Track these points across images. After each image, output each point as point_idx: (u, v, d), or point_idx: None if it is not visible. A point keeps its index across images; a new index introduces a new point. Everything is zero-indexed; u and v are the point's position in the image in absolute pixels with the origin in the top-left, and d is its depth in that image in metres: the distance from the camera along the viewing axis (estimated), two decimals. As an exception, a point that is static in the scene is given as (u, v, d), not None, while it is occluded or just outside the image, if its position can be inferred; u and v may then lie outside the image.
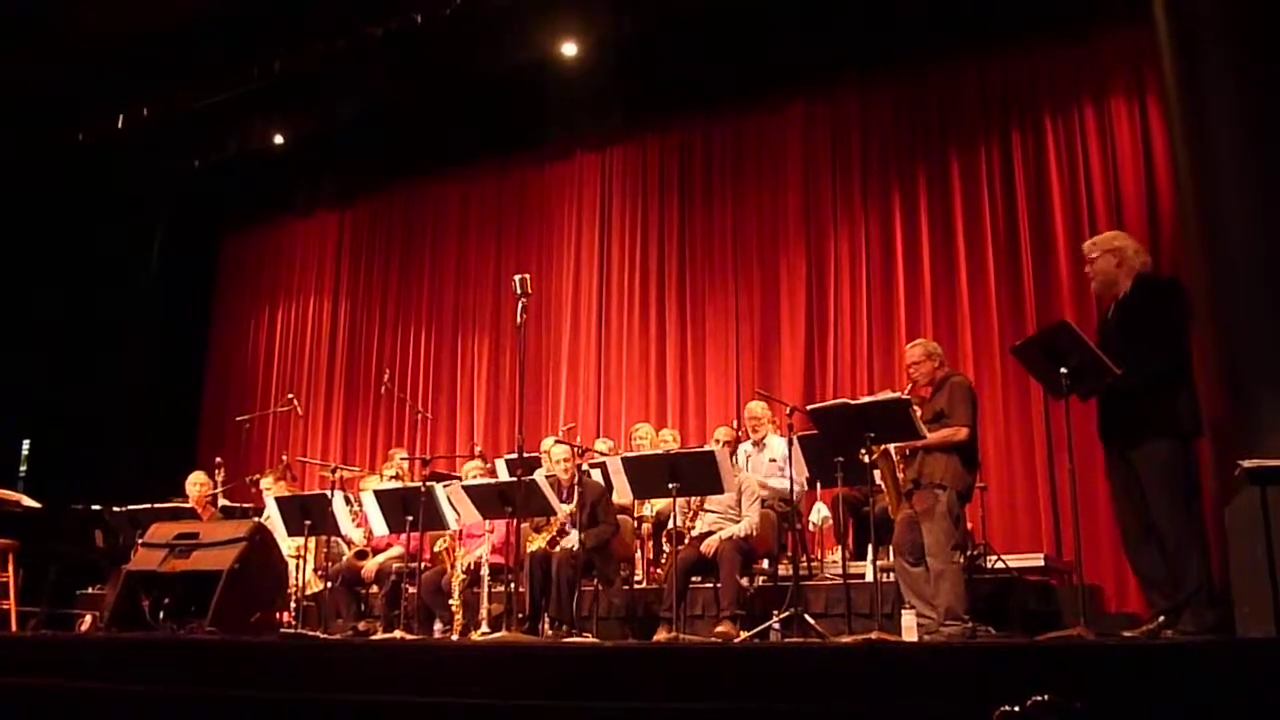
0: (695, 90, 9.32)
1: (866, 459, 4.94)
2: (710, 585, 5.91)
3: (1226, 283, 4.99)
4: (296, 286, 11.76)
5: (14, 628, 6.56)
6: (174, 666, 4.27)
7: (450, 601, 6.09)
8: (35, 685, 4.43)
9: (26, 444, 11.30)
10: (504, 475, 7.05)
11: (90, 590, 8.07)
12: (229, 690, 4.01)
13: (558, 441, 6.94)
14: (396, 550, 6.69)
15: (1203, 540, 4.22)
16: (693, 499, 5.94)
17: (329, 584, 6.87)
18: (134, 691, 4.17)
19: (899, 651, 3.79)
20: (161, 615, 5.35)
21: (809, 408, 5.60)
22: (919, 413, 4.94)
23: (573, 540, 5.93)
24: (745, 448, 6.94)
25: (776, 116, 9.15)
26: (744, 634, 5.32)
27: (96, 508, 7.16)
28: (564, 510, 6.04)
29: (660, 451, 6.35)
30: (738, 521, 5.82)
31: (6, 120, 9.90)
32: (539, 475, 5.96)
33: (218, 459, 8.16)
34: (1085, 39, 7.86)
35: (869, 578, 5.68)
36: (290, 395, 9.73)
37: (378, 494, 6.38)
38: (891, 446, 5.09)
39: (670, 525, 5.95)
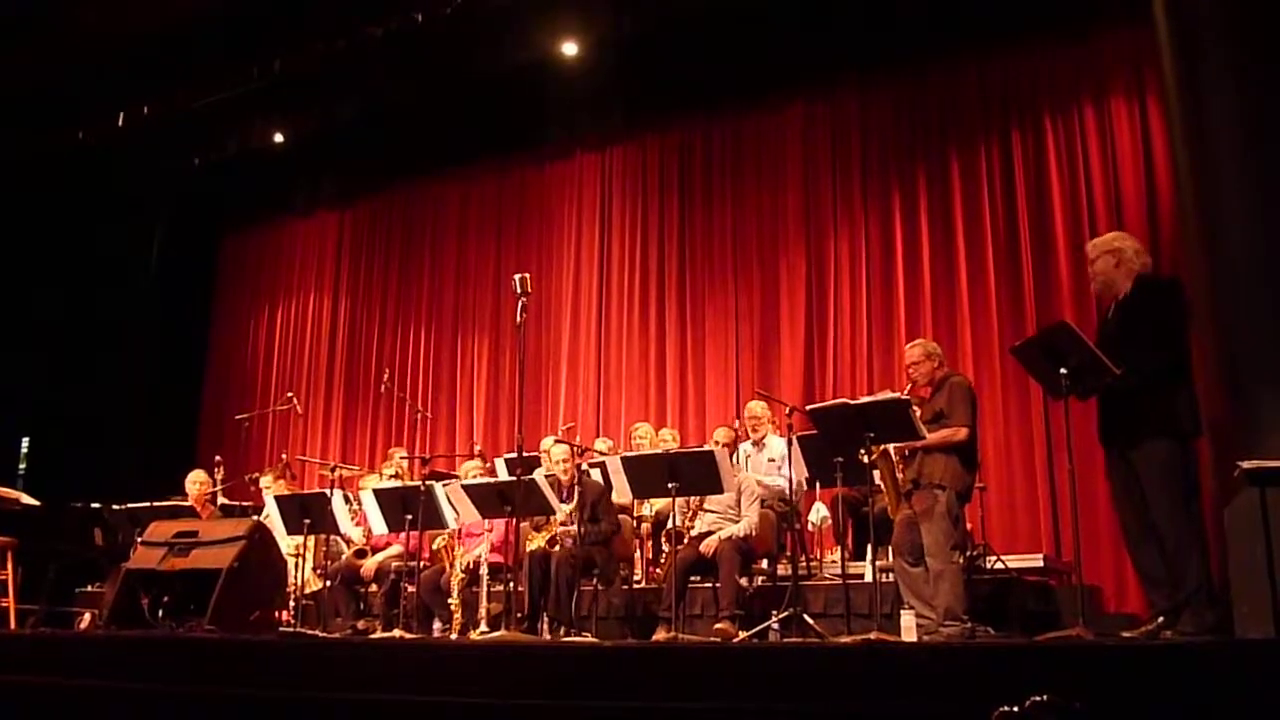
0: (695, 90, 9.33)
1: (866, 459, 4.93)
2: (709, 585, 5.91)
3: (1226, 283, 4.99)
4: (296, 286, 11.76)
5: (13, 625, 6.56)
6: (173, 665, 4.27)
7: (449, 600, 6.09)
8: (34, 683, 4.44)
9: (26, 442, 11.30)
10: (503, 474, 7.05)
11: (89, 588, 8.08)
12: (228, 689, 4.01)
13: (557, 441, 6.94)
14: (396, 549, 6.69)
15: (1202, 540, 4.22)
16: (692, 499, 5.93)
17: (328, 583, 6.87)
18: (133, 690, 4.17)
19: (898, 652, 3.78)
20: (160, 613, 5.34)
21: (808, 408, 5.60)
22: (918, 413, 4.94)
23: (572, 530, 5.94)
24: (745, 447, 6.94)
25: (776, 116, 9.15)
26: (743, 634, 5.31)
27: (96, 506, 7.16)
28: (564, 510, 6.04)
29: (660, 451, 6.35)
30: (737, 521, 5.81)
31: (6, 120, 9.90)
32: (538, 474, 5.96)
33: (217, 457, 8.16)
34: (1085, 39, 7.86)
35: (868, 578, 5.67)
36: (290, 394, 9.75)
37: (377, 493, 6.38)
38: (891, 447, 5.09)
39: (669, 525, 5.96)
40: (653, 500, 6.59)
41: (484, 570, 5.94)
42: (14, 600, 6.64)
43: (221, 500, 7.73)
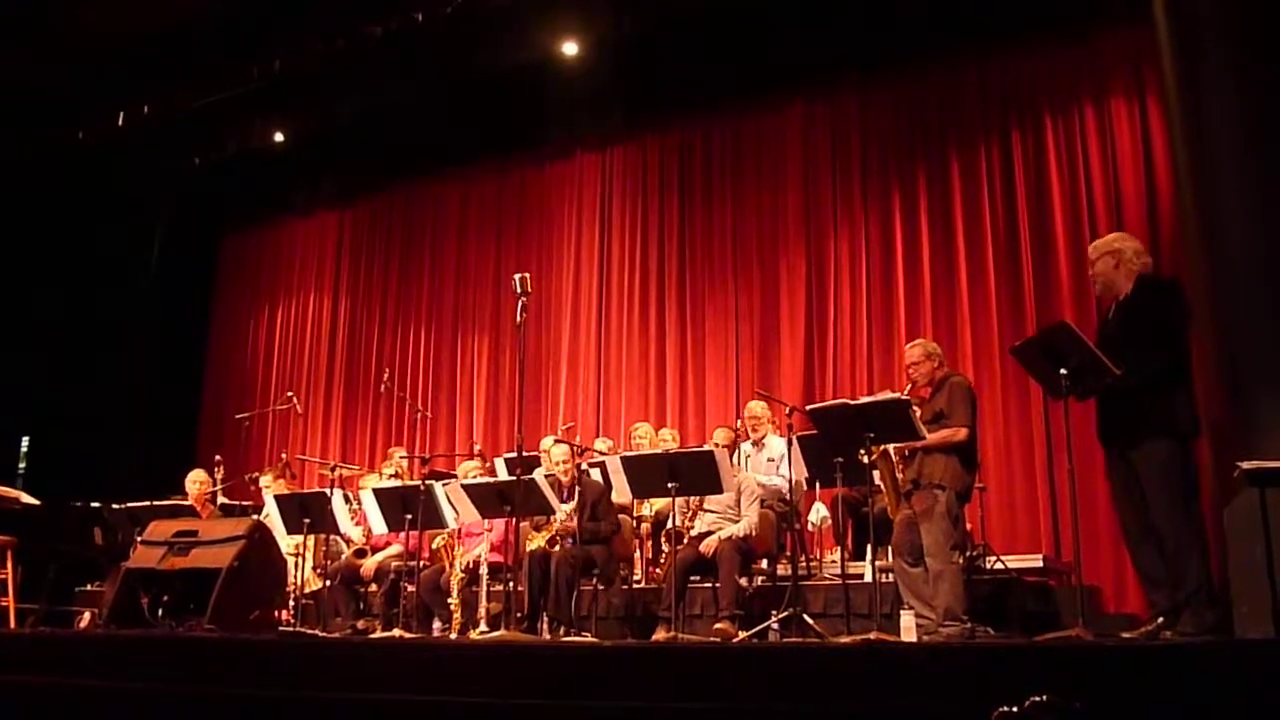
0: (695, 90, 9.33)
1: (866, 459, 4.93)
2: (709, 585, 5.91)
3: (1226, 283, 4.99)
4: (296, 285, 11.77)
5: (13, 625, 6.56)
6: (172, 664, 4.27)
7: (449, 600, 6.08)
8: (34, 683, 4.43)
9: (26, 441, 11.31)
10: (503, 474, 7.04)
11: (89, 587, 8.08)
12: (227, 688, 4.01)
13: (557, 441, 6.94)
14: (395, 549, 6.69)
15: (1202, 541, 4.22)
16: (692, 499, 5.93)
17: (328, 582, 6.87)
18: (132, 689, 4.17)
19: (898, 652, 3.78)
20: (160, 613, 5.35)
21: (808, 408, 5.60)
22: (918, 413, 4.94)
23: (572, 526, 5.94)
24: (745, 448, 6.94)
25: (776, 116, 9.15)
26: (743, 634, 5.31)
27: (96, 505, 7.16)
28: (564, 510, 6.04)
29: (659, 451, 6.35)
30: (737, 521, 5.81)
31: (6, 120, 9.91)
32: (538, 474, 5.96)
33: (217, 457, 8.17)
34: (1085, 39, 7.86)
35: (868, 578, 5.67)
36: (290, 394, 9.75)
37: (377, 492, 6.38)
38: (891, 447, 5.09)
39: (669, 525, 5.96)
40: (652, 500, 6.59)
41: (483, 570, 5.94)
42: (14, 599, 6.64)
43: (221, 500, 7.73)
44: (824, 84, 8.94)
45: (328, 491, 6.45)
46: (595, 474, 6.38)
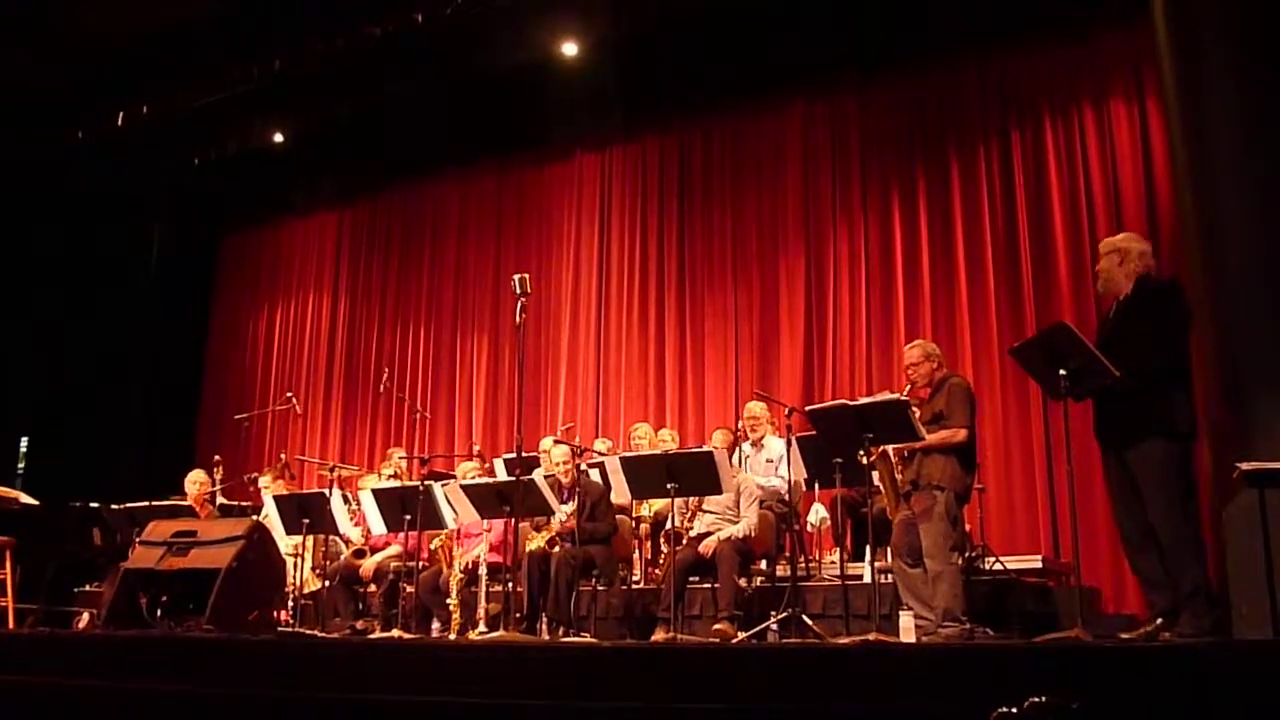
0: (695, 90, 9.33)
1: (865, 460, 4.93)
2: (708, 586, 5.91)
3: (1226, 283, 4.99)
4: (296, 286, 11.77)
5: (11, 625, 6.56)
6: (171, 664, 4.27)
7: (448, 601, 6.08)
8: (32, 683, 4.43)
9: (25, 441, 11.31)
10: (502, 475, 7.04)
11: (88, 588, 8.07)
12: (226, 689, 4.01)
13: (556, 442, 6.94)
14: (394, 549, 6.68)
15: (1200, 541, 4.21)
16: (691, 499, 5.93)
17: (327, 583, 6.87)
18: (131, 689, 4.17)
19: (897, 653, 3.78)
20: (159, 613, 5.34)
21: (808, 408, 5.60)
22: (917, 414, 4.94)
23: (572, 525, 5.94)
24: (744, 448, 6.93)
25: (776, 116, 9.15)
26: (742, 634, 5.31)
27: (95, 505, 7.17)
28: (564, 511, 6.03)
29: (659, 452, 6.35)
30: (736, 522, 5.80)
31: (6, 120, 9.91)
32: (537, 475, 5.96)
33: (216, 457, 8.17)
34: (1085, 39, 7.86)
35: (867, 579, 5.67)
36: (289, 394, 9.75)
37: (376, 493, 6.38)
38: (890, 448, 5.08)
39: (668, 525, 5.95)
40: (651, 501, 6.59)
41: (482, 570, 5.94)
42: (12, 599, 6.64)
43: (220, 500, 7.73)
44: (824, 84, 8.94)
45: (327, 492, 6.46)
46: (595, 475, 6.38)
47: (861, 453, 4.89)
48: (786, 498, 6.38)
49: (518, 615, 5.55)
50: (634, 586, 6.49)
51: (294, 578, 6.62)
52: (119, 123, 9.96)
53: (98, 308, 11.18)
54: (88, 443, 10.65)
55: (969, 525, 5.86)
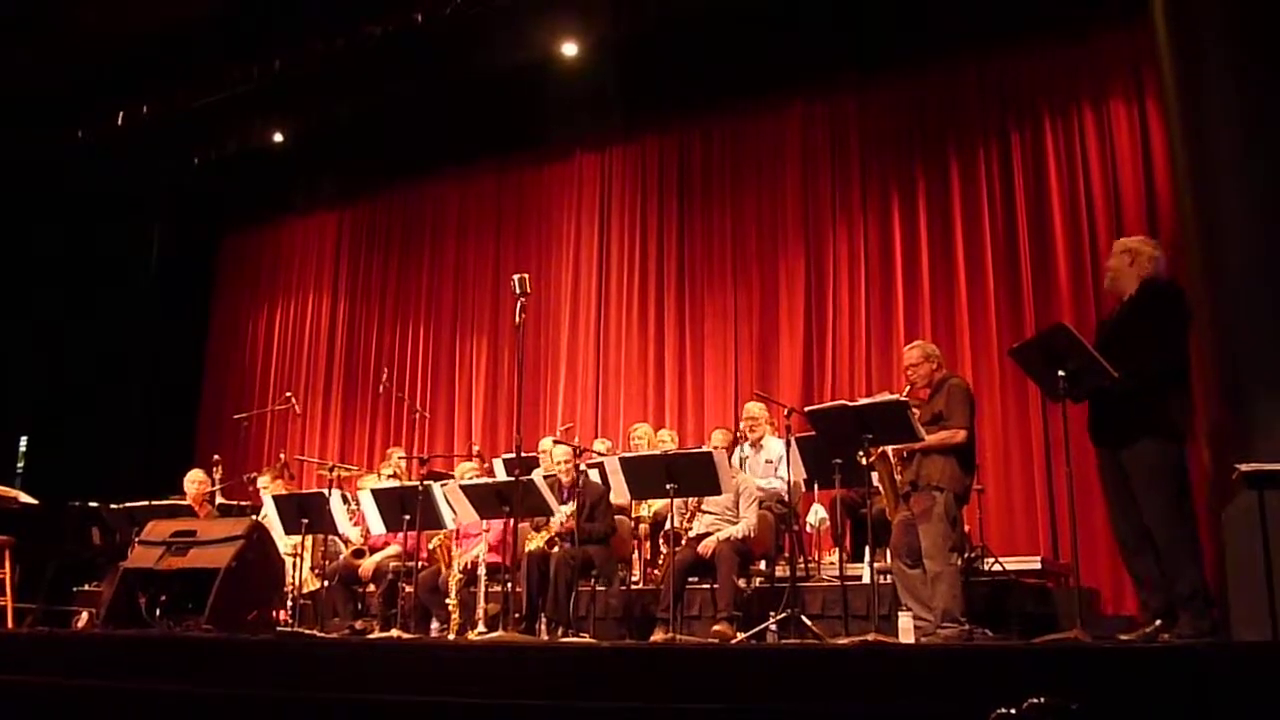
0: (695, 90, 9.32)
1: (864, 461, 4.93)
2: (707, 586, 5.90)
3: (1226, 283, 4.98)
4: (295, 285, 11.77)
5: (10, 624, 6.57)
6: (170, 664, 4.27)
7: (447, 601, 6.08)
8: (31, 683, 4.43)
9: (25, 441, 11.31)
10: (502, 475, 7.04)
11: (87, 587, 8.07)
12: (225, 688, 4.01)
13: (556, 442, 6.93)
14: (393, 549, 6.68)
15: (1196, 542, 4.21)
16: (690, 500, 5.92)
17: (326, 582, 6.86)
18: (130, 689, 4.17)
19: (896, 653, 3.78)
20: (158, 613, 5.34)
21: (807, 409, 5.59)
22: (917, 415, 4.93)
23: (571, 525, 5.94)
24: (743, 449, 6.93)
25: (776, 116, 9.15)
26: (741, 635, 5.31)
27: (94, 505, 7.17)
28: (563, 512, 6.03)
29: (658, 452, 6.34)
30: (735, 523, 5.80)
31: (6, 120, 9.90)
32: (537, 475, 5.95)
33: (216, 457, 8.17)
34: (1085, 39, 7.86)
35: (866, 579, 5.67)
36: (289, 394, 9.74)
37: (375, 493, 6.37)
38: (889, 448, 5.08)
39: (667, 526, 5.95)
40: (651, 501, 6.59)
41: (481, 570, 5.94)
42: (12, 599, 6.65)
43: (220, 500, 7.73)
44: (824, 84, 8.93)
45: (326, 492, 6.45)
46: (594, 475, 6.38)
47: (861, 453, 4.90)
48: (786, 498, 6.37)
49: (517, 615, 5.55)
50: (633, 587, 6.49)
51: (293, 577, 6.62)
52: (119, 123, 9.96)
53: (98, 308, 11.18)
54: (87, 443, 10.65)
55: (968, 526, 5.86)
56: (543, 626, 5.84)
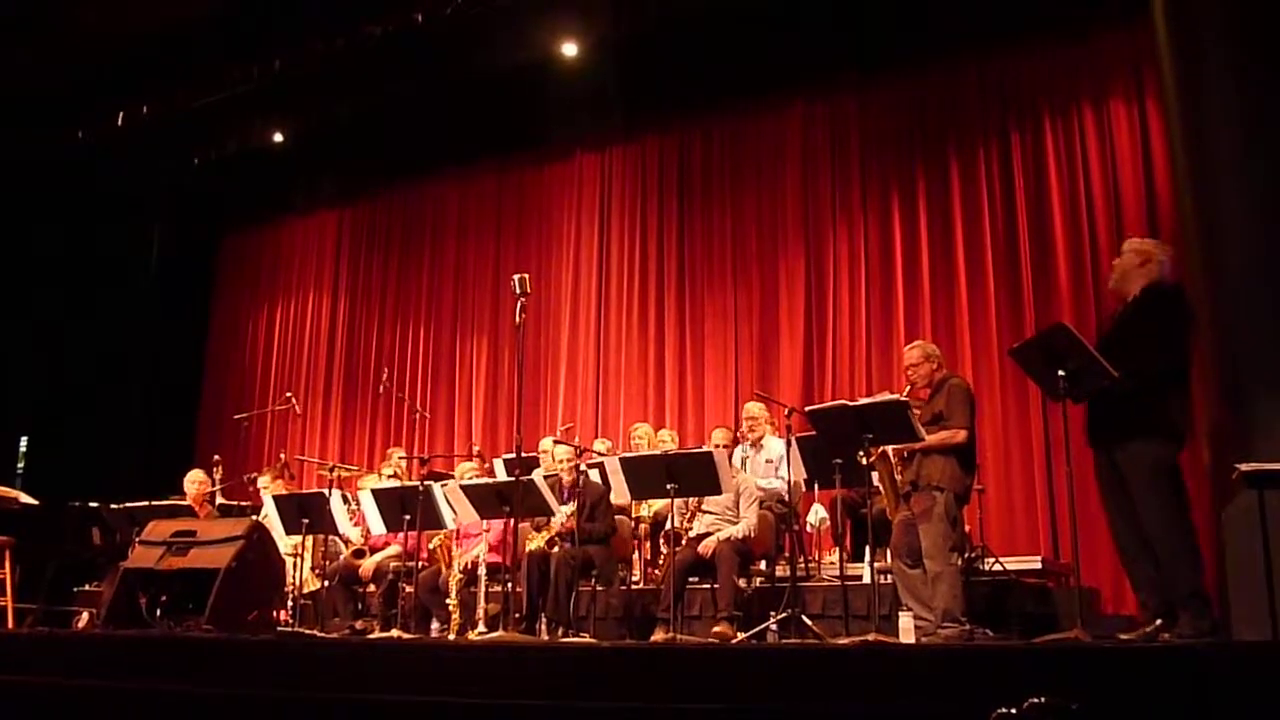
0: (695, 90, 9.32)
1: (864, 461, 4.93)
2: (708, 586, 5.90)
3: (1226, 283, 4.98)
4: (295, 285, 11.77)
5: (11, 624, 6.56)
6: (170, 664, 4.27)
7: (447, 601, 6.09)
8: (32, 683, 4.43)
9: (25, 441, 11.31)
10: (502, 475, 7.04)
11: (87, 587, 8.07)
12: (225, 689, 4.01)
13: (557, 442, 6.93)
14: (394, 549, 6.68)
15: (1193, 542, 4.21)
16: (690, 500, 5.93)
17: (326, 583, 6.86)
18: (131, 689, 4.17)
19: (896, 653, 3.79)
20: (158, 613, 5.34)
21: (807, 409, 5.59)
22: (917, 414, 4.93)
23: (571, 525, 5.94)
24: (743, 449, 6.93)
25: (776, 117, 9.15)
26: (741, 635, 5.31)
27: (94, 505, 7.16)
28: (564, 512, 6.03)
29: (658, 452, 6.34)
30: (735, 523, 5.80)
31: (6, 120, 9.90)
32: (537, 475, 5.95)
33: (216, 457, 8.17)
34: (1085, 39, 7.86)
35: (866, 579, 5.67)
36: (289, 394, 9.74)
37: (375, 493, 6.37)
38: (889, 448, 5.08)
39: (668, 526, 5.95)
40: (651, 501, 6.59)
41: (481, 571, 5.94)
42: (12, 599, 6.64)
43: (220, 500, 7.73)
44: (824, 84, 8.93)
45: (326, 492, 6.45)
46: (594, 475, 6.38)
47: (861, 453, 4.90)
48: (786, 498, 6.37)
49: (517, 615, 5.55)
50: (633, 587, 6.49)
51: (293, 578, 6.62)
52: (119, 123, 9.96)
53: (98, 308, 11.18)
54: (88, 443, 10.65)
55: (969, 526, 5.86)
56: (543, 626, 5.84)
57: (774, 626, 5.34)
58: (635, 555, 6.80)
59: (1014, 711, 2.50)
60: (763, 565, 6.32)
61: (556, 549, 6.03)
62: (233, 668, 4.15)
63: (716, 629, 5.34)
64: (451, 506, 5.93)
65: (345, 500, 7.12)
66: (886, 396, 5.23)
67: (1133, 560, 4.35)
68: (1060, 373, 4.32)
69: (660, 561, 6.37)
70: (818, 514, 6.89)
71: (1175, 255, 4.74)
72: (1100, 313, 7.25)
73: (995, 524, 7.20)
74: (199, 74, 9.52)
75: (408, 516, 6.00)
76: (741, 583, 5.78)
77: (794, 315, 8.68)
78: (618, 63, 8.97)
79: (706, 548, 5.66)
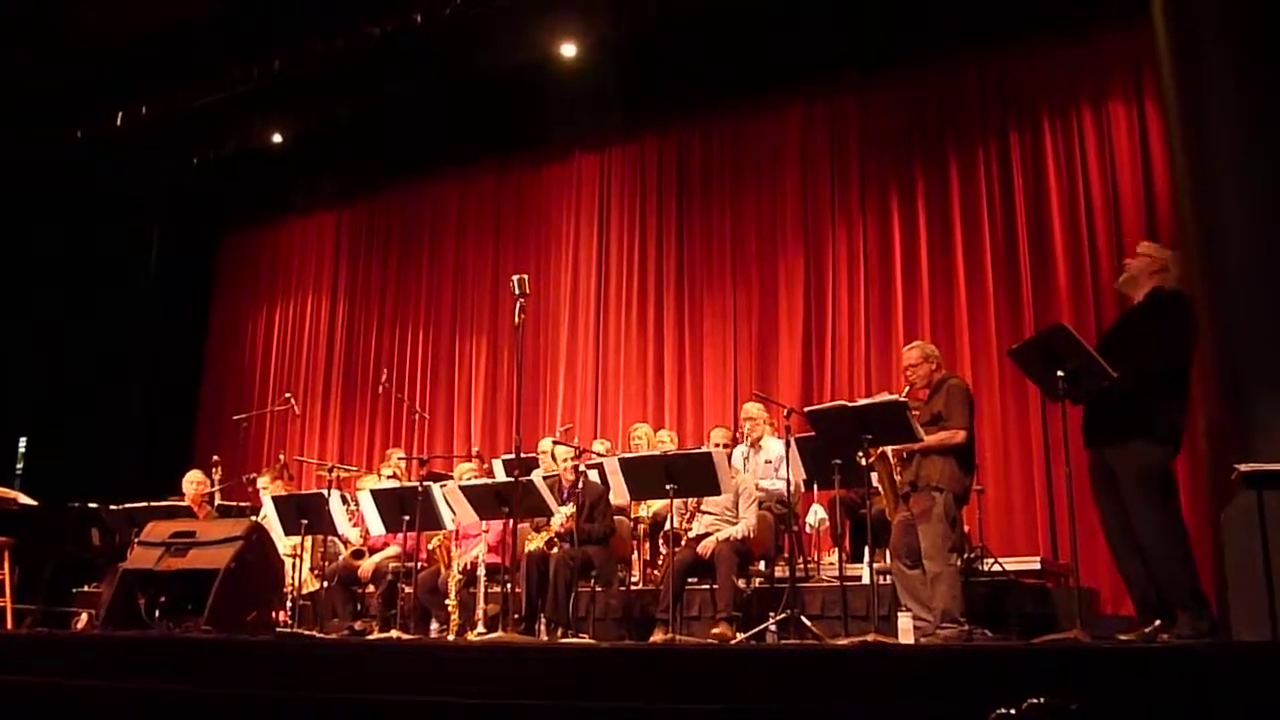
0: (694, 90, 9.32)
1: (864, 461, 4.93)
2: (707, 587, 5.90)
3: (1226, 284, 4.97)
4: (295, 286, 11.77)
5: (9, 625, 6.56)
6: (170, 665, 4.27)
7: (446, 601, 6.08)
8: (31, 683, 4.43)
9: (24, 441, 11.30)
10: (501, 476, 7.04)
11: (86, 588, 8.07)
12: (225, 689, 4.00)
13: (556, 442, 6.93)
14: (393, 550, 6.68)
15: (1185, 546, 4.20)
16: (689, 500, 5.92)
17: (325, 583, 6.86)
18: (130, 690, 4.17)
19: (895, 654, 3.78)
20: (157, 614, 5.34)
21: (807, 409, 5.59)
22: (916, 415, 4.93)
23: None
24: (742, 449, 6.93)
25: (775, 117, 9.15)
26: (740, 635, 5.31)
27: (93, 506, 7.15)
28: (563, 513, 6.03)
29: (658, 453, 6.34)
30: (735, 523, 5.80)
31: (6, 120, 9.90)
32: (536, 475, 5.95)
33: (215, 458, 8.16)
34: (1085, 39, 7.86)
35: (865, 580, 5.67)
36: (288, 394, 9.73)
37: (375, 494, 6.37)
38: (889, 449, 5.08)
39: (667, 526, 5.95)
40: (650, 502, 6.59)
41: (481, 571, 5.94)
42: (11, 600, 6.64)
43: (219, 500, 7.72)
44: (823, 84, 8.93)
45: (325, 493, 6.45)
46: (594, 475, 6.37)
47: (860, 454, 4.90)
48: (786, 499, 6.37)
49: (516, 616, 5.55)
50: (633, 587, 6.49)
51: (292, 578, 6.62)
52: (118, 123, 9.96)
53: (98, 308, 11.18)
54: (87, 443, 10.65)
55: (968, 526, 5.86)
56: (542, 627, 5.84)
57: (773, 627, 5.34)
58: (634, 556, 6.79)
59: (1013, 712, 2.50)
60: (762, 566, 6.32)
61: (556, 549, 6.03)
62: (232, 668, 4.15)
63: (716, 630, 5.34)
64: (451, 507, 5.93)
65: (344, 501, 7.11)
66: (885, 397, 5.24)
67: (1124, 559, 4.35)
68: (1059, 373, 4.32)
69: (659, 562, 6.37)
70: (817, 514, 6.89)
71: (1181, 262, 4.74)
72: (1099, 313, 7.26)
73: (994, 524, 7.19)
74: (199, 74, 9.52)
75: (407, 517, 6.00)
76: (741, 583, 5.78)
77: (793, 315, 8.68)
78: (617, 63, 8.97)
79: (706, 548, 5.66)
